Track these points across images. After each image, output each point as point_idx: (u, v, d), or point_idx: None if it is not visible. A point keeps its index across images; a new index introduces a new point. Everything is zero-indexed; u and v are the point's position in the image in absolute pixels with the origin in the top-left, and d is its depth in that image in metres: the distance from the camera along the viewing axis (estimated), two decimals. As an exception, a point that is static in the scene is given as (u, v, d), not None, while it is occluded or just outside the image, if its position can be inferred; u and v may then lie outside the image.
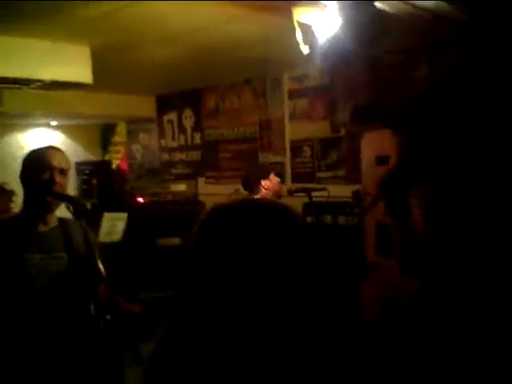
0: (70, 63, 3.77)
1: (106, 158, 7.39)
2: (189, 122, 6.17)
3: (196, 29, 3.43)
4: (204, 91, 5.90)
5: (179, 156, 6.38)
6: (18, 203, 5.31)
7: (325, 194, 3.38)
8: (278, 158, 5.16)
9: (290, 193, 3.41)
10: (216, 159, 5.86)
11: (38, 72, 3.73)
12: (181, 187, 6.15)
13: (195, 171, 6.15)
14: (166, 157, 6.59)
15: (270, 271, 0.89)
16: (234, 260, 0.90)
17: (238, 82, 5.45)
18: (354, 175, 4.43)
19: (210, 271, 0.92)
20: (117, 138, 7.34)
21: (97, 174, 6.71)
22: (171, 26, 3.36)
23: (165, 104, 6.47)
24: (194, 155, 6.19)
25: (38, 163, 2.03)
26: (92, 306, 2.17)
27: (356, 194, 4.27)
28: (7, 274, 1.96)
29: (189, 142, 6.23)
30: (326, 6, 2.42)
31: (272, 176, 3.54)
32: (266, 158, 5.26)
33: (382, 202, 2.81)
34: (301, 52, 2.78)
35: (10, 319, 1.99)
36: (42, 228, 2.06)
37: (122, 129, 7.24)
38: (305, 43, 2.48)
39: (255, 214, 0.95)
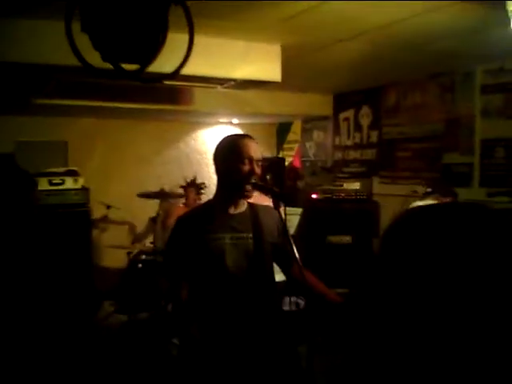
0: (261, 62, 3.93)
1: (281, 155, 7.62)
2: (366, 119, 6.06)
3: (390, 22, 3.31)
4: (384, 88, 5.72)
5: (353, 154, 6.30)
6: (207, 195, 5.79)
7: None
8: (465, 159, 4.77)
9: (491, 196, 3.10)
10: (393, 158, 5.65)
11: (232, 71, 3.94)
12: (354, 186, 6.05)
13: (370, 170, 6.01)
14: (339, 155, 6.57)
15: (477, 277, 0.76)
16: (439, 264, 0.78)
17: (422, 77, 5.17)
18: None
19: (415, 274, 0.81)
20: (292, 136, 7.53)
21: (271, 169, 6.96)
22: (363, 21, 3.30)
23: (342, 102, 6.44)
24: (369, 154, 6.05)
25: (237, 153, 2.10)
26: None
27: None
28: (201, 250, 2.10)
29: (364, 141, 6.11)
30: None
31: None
32: (452, 158, 4.91)
33: None
34: (500, 45, 2.52)
35: (203, 291, 2.12)
36: (233, 211, 2.17)
37: (297, 127, 7.40)
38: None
39: (462, 216, 0.81)
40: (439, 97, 5.04)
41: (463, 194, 4.60)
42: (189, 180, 5.81)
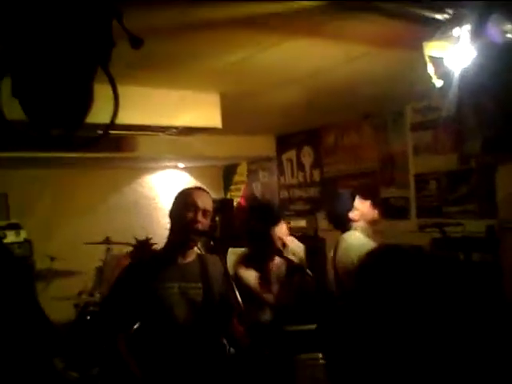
0: (201, 110, 4.05)
1: (228, 196, 7.71)
2: (308, 159, 6.27)
3: (318, 71, 3.51)
4: (323, 129, 5.98)
5: (298, 193, 6.47)
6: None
7: (458, 229, 3.22)
8: (401, 193, 5.02)
9: (422, 228, 3.25)
10: (334, 195, 5.84)
11: (172, 119, 4.04)
12: (301, 223, 6.19)
13: (314, 207, 6.18)
14: (285, 194, 6.73)
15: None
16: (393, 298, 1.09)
17: (356, 117, 5.45)
18: (487, 209, 4.16)
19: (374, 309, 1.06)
20: (238, 178, 7.65)
21: (219, 211, 7.01)
22: (294, 70, 3.48)
23: (284, 143, 6.65)
24: (313, 191, 6.24)
25: (184, 203, 2.21)
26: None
27: (490, 228, 4.01)
28: (149, 299, 2.12)
29: (308, 179, 6.30)
30: (458, 39, 2.37)
31: (358, 202, 3.03)
32: (389, 192, 5.15)
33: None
34: (425, 85, 2.73)
35: (150, 341, 2.13)
36: (181, 261, 2.22)
37: (243, 168, 7.54)
38: (438, 77, 2.43)
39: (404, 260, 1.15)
40: (373, 136, 5.32)
41: (402, 227, 4.82)
42: (137, 242, 5.69)
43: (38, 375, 2.03)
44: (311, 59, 3.25)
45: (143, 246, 5.42)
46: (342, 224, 3.02)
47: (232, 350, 2.24)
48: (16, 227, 5.43)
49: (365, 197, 3.06)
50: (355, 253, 2.77)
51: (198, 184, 7.59)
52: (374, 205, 3.08)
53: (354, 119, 5.50)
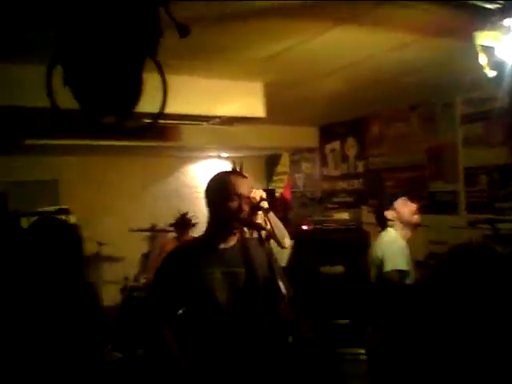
0: (245, 99, 4.05)
1: (270, 186, 7.70)
2: (352, 150, 6.17)
3: (364, 59, 3.44)
4: (368, 119, 5.86)
5: (341, 185, 6.39)
6: (199, 229, 5.78)
7: (510, 225, 3.09)
8: (449, 187, 4.87)
9: (471, 224, 3.14)
10: (380, 187, 5.74)
11: (216, 109, 4.06)
12: (344, 216, 6.12)
13: (357, 200, 6.09)
14: (327, 185, 6.66)
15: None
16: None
17: (403, 108, 5.31)
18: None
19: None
20: (280, 168, 7.63)
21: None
22: (339, 58, 3.43)
23: (327, 134, 6.57)
24: (356, 184, 6.15)
25: (226, 190, 2.14)
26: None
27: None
28: (192, 284, 2.12)
29: (351, 171, 6.21)
30: (509, 29, 2.27)
31: (400, 202, 3.13)
32: (436, 186, 5.01)
33: None
34: (476, 75, 2.63)
35: (194, 326, 2.14)
36: (223, 246, 2.20)
37: (285, 159, 7.51)
38: (490, 67, 2.33)
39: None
40: (421, 127, 5.17)
41: (450, 222, 4.68)
42: (179, 215, 5.84)
43: (86, 354, 2.10)
44: (357, 47, 3.18)
45: (183, 219, 5.50)
46: (382, 221, 3.17)
47: (290, 339, 2.20)
48: (65, 212, 5.60)
49: (411, 199, 3.17)
50: (382, 249, 3.02)
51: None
52: (419, 209, 3.19)
53: (400, 109, 5.35)
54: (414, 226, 3.14)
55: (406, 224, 3.10)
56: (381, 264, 2.96)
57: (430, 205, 4.93)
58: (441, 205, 4.91)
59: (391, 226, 3.12)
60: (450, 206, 4.83)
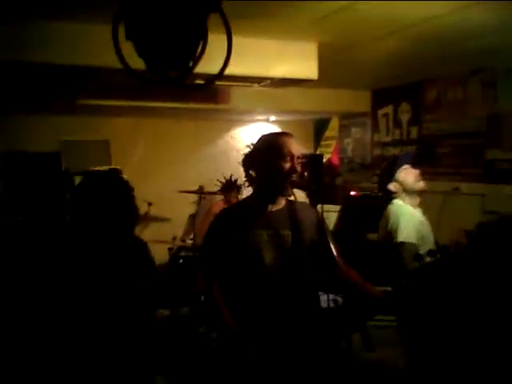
0: (297, 60, 3.94)
1: (318, 151, 7.61)
2: (405, 115, 5.97)
3: (423, 20, 3.26)
4: (424, 84, 5.62)
5: (393, 151, 6.22)
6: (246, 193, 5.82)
7: None
8: (508, 155, 4.66)
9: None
10: (433, 155, 5.55)
11: (268, 70, 3.98)
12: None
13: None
14: (378, 151, 6.50)
15: None
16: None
17: (463, 72, 5.06)
18: None
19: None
20: (329, 133, 7.50)
21: (309, 166, 6.95)
22: (399, 18, 3.26)
23: (380, 98, 6.37)
24: (409, 150, 5.96)
25: (278, 150, 2.11)
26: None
27: None
28: (239, 245, 2.12)
29: (404, 137, 6.03)
30: None
31: (402, 172, 3.05)
32: (494, 154, 4.80)
33: None
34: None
35: (240, 288, 2.14)
36: (271, 208, 2.19)
37: (334, 123, 7.37)
38: None
39: None
40: (481, 93, 4.92)
41: (507, 191, 4.51)
42: (228, 179, 5.85)
43: (141, 311, 2.17)
44: (417, 7, 3.01)
45: (230, 182, 5.54)
46: (387, 194, 3.12)
47: (339, 299, 2.20)
48: (117, 172, 5.72)
49: (414, 165, 3.10)
50: (390, 223, 3.00)
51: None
52: (422, 174, 3.10)
53: (459, 74, 5.10)
54: (420, 193, 3.07)
55: (411, 193, 3.04)
56: (392, 237, 2.95)
57: (486, 173, 4.75)
58: (498, 173, 4.71)
59: (397, 198, 3.07)
60: (508, 175, 4.63)
